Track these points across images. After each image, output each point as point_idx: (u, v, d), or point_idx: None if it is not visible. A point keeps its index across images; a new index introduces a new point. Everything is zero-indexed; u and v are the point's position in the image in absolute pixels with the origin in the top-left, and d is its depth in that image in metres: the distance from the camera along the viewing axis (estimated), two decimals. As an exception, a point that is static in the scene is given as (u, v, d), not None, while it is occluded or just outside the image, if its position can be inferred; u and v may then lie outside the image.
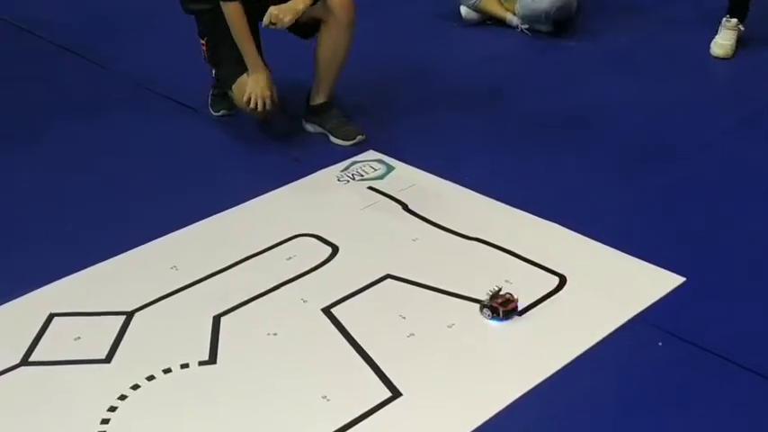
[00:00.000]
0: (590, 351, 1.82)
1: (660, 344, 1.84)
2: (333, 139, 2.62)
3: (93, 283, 2.07)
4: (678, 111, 2.76)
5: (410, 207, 2.33)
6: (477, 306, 1.93)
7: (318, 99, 2.63)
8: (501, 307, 1.89)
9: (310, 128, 2.67)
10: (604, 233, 2.16)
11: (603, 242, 2.14)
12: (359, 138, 2.60)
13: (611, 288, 2.00)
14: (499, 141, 2.65)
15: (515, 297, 1.92)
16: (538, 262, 2.09)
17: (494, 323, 1.90)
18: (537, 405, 1.71)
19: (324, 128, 2.63)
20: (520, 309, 1.92)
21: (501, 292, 1.92)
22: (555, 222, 2.22)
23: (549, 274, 2.04)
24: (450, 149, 2.60)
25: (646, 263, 2.06)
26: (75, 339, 1.89)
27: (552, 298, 1.97)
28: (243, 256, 2.14)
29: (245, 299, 1.99)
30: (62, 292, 2.03)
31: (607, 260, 2.09)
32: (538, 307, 1.95)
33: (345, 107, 2.68)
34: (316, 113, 2.65)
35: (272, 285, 2.04)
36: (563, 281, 2.02)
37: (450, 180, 2.43)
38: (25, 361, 1.84)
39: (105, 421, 1.68)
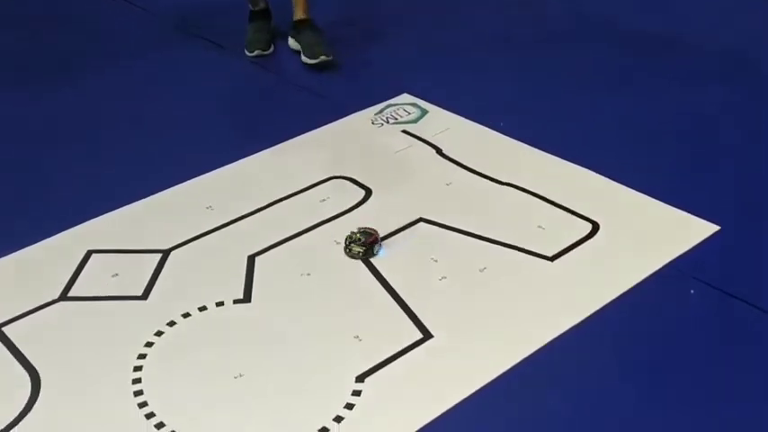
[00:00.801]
0: (621, 297, 1.82)
1: (692, 291, 1.84)
2: (302, 57, 2.72)
3: (129, 222, 2.09)
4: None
5: (444, 151, 2.33)
6: (502, 249, 1.95)
7: (297, 15, 2.76)
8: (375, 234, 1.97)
9: (292, 43, 2.79)
10: (639, 180, 2.15)
11: (638, 189, 2.13)
12: (322, 58, 2.69)
13: (645, 235, 1.99)
14: (535, 87, 2.63)
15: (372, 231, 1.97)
16: (571, 208, 2.08)
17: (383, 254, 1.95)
18: (566, 350, 1.72)
19: (300, 44, 2.74)
20: (552, 254, 1.93)
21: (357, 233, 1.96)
22: (589, 169, 2.22)
23: (581, 221, 2.04)
24: (486, 94, 2.59)
25: (680, 210, 2.05)
26: (113, 276, 1.92)
27: (585, 244, 1.97)
28: (277, 197, 2.15)
29: (280, 239, 2.01)
30: (100, 230, 2.06)
31: (641, 207, 2.08)
32: (570, 253, 1.95)
33: (379, 50, 2.68)
34: (295, 29, 2.77)
35: (305, 227, 2.05)
36: (596, 227, 2.02)
37: (485, 125, 2.42)
38: (64, 296, 1.87)
39: (142, 356, 1.72)
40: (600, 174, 2.19)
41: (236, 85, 2.69)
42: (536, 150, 2.31)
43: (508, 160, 2.28)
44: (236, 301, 1.85)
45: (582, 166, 2.23)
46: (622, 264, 1.91)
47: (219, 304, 1.84)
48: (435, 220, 2.07)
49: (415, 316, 1.80)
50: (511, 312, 1.80)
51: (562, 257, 1.94)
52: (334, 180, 2.22)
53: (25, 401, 1.63)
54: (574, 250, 1.96)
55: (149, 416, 1.59)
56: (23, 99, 2.65)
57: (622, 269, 1.90)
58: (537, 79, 2.67)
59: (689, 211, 2.05)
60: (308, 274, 1.92)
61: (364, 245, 1.93)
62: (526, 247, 1.96)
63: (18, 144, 2.45)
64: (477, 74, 2.70)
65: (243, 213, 2.11)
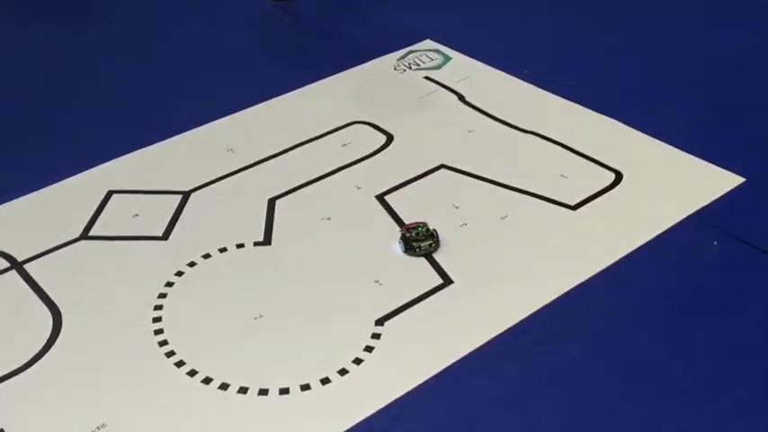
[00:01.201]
0: (643, 247, 1.81)
1: (716, 243, 1.82)
2: None
3: (150, 163, 2.09)
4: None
5: (466, 98, 2.31)
6: (524, 197, 1.93)
7: None
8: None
9: None
10: (663, 131, 2.12)
11: (662, 140, 2.11)
12: None
13: (668, 186, 1.97)
14: (561, 34, 2.60)
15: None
16: (594, 157, 2.06)
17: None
18: (587, 299, 1.71)
19: None
20: (574, 203, 1.92)
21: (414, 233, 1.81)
22: (613, 118, 2.19)
23: (604, 170, 2.02)
24: (510, 41, 2.56)
25: (705, 161, 2.03)
26: (134, 216, 1.92)
27: (608, 194, 1.96)
28: (298, 141, 2.14)
29: (300, 183, 2.01)
30: (120, 171, 2.06)
31: (665, 158, 2.06)
32: (592, 202, 1.93)
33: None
34: None
35: (326, 171, 2.05)
36: (619, 177, 2.00)
37: (509, 72, 2.40)
38: (85, 235, 1.88)
39: (162, 296, 1.72)
40: (625, 123, 2.17)
41: (257, 29, 2.67)
42: (560, 99, 2.28)
43: (532, 108, 2.25)
44: (256, 244, 1.85)
45: (606, 115, 2.20)
46: (645, 214, 1.90)
47: (240, 246, 1.84)
48: (457, 167, 2.05)
49: (436, 262, 1.79)
50: (532, 261, 1.79)
51: (585, 206, 1.92)
52: (356, 125, 2.21)
53: (47, 338, 1.64)
54: (597, 199, 1.94)
55: (169, 354, 1.60)
56: (46, 38, 2.65)
57: (645, 219, 1.88)
58: (563, 27, 2.63)
59: (714, 163, 2.02)
60: (329, 219, 1.91)
61: (432, 235, 1.81)
62: (548, 196, 1.95)
63: (42, 81, 2.44)
64: (502, 20, 2.67)
65: (263, 157, 2.10)
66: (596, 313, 1.69)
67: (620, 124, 2.17)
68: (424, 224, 1.83)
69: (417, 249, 1.80)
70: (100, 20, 2.74)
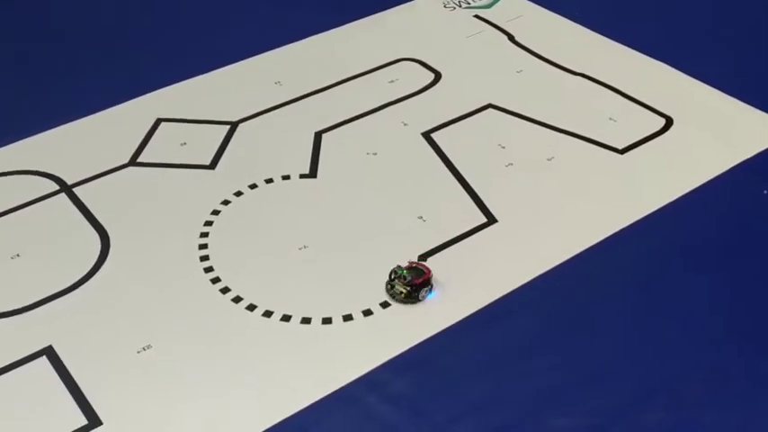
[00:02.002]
0: (692, 193, 1.80)
1: (766, 192, 1.80)
2: None
3: (199, 92, 2.10)
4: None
5: (516, 38, 2.28)
6: (571, 139, 1.91)
7: None
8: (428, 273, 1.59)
9: None
10: (715, 76, 2.09)
11: (714, 86, 2.07)
12: None
13: (719, 133, 1.95)
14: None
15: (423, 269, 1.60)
16: (644, 102, 2.04)
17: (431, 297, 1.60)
18: (632, 242, 1.70)
19: None
20: (622, 147, 1.90)
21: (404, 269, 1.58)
22: (665, 63, 2.16)
23: (654, 115, 2.00)
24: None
25: (756, 109, 2.00)
26: (181, 144, 1.94)
27: (657, 139, 1.94)
28: (346, 76, 2.14)
29: (347, 118, 2.01)
30: (169, 99, 2.07)
31: (716, 104, 2.03)
32: (641, 147, 1.92)
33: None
34: None
35: (373, 107, 2.04)
36: (669, 122, 1.98)
37: (560, 14, 2.36)
38: (133, 161, 1.90)
39: (209, 223, 1.74)
40: (676, 69, 2.14)
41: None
42: (611, 41, 2.25)
43: (582, 50, 2.22)
44: (301, 176, 1.85)
45: (658, 59, 2.17)
46: (694, 160, 1.88)
47: (285, 178, 1.85)
48: (504, 107, 2.04)
49: (480, 200, 1.79)
50: (577, 203, 1.79)
51: (632, 151, 1.91)
52: (404, 62, 2.20)
53: (95, 260, 1.67)
54: (645, 144, 1.92)
55: (215, 281, 1.62)
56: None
57: (694, 166, 1.86)
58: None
59: (766, 111, 1.99)
60: (375, 154, 1.91)
61: (410, 284, 1.57)
62: (596, 139, 1.93)
63: (94, 8, 2.45)
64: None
65: (311, 90, 2.10)
66: (640, 258, 1.68)
67: (672, 69, 2.14)
68: (426, 272, 1.58)
69: (388, 287, 1.59)
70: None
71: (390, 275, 1.59)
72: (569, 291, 1.62)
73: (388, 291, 1.59)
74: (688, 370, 1.47)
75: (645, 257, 1.68)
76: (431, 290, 1.59)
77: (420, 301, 1.58)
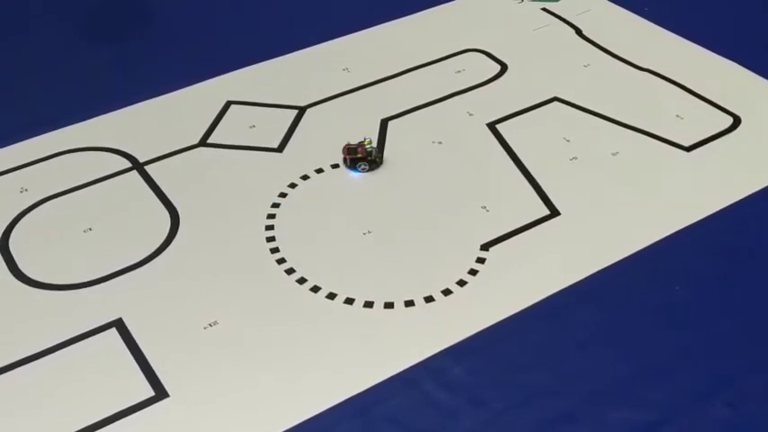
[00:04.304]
0: (758, 193, 1.78)
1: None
2: None
3: (268, 76, 2.13)
4: None
5: (584, 32, 2.28)
6: (637, 135, 1.91)
7: None
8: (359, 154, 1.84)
9: None
10: (787, 78, 2.08)
11: (785, 87, 2.06)
12: None
13: (788, 134, 1.94)
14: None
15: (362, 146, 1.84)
16: (712, 100, 2.03)
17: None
18: (694, 240, 1.70)
19: None
20: (688, 145, 1.90)
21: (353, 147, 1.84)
22: (734, 61, 2.14)
23: (722, 113, 1.99)
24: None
25: (828, 112, 1.98)
26: (251, 127, 1.97)
27: (724, 137, 1.93)
28: (413, 65, 2.16)
29: (413, 106, 2.03)
30: (239, 82, 2.11)
31: (786, 106, 2.02)
32: (708, 145, 1.91)
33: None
34: None
35: (439, 96, 2.06)
36: (737, 121, 1.96)
37: (628, 9, 2.36)
38: (203, 142, 1.94)
39: (275, 205, 1.78)
40: (746, 67, 2.12)
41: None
42: (679, 38, 2.24)
43: (650, 46, 2.22)
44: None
45: (727, 57, 2.15)
46: (761, 160, 1.87)
47: (352, 163, 1.88)
48: (570, 101, 2.04)
49: (544, 192, 1.80)
50: (641, 199, 1.79)
51: (699, 149, 1.90)
52: (471, 52, 2.21)
53: (164, 236, 1.71)
54: (712, 143, 1.91)
55: (280, 261, 1.66)
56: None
57: (761, 166, 1.85)
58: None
59: (838, 114, 1.97)
60: (440, 143, 1.93)
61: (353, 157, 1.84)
62: (662, 136, 1.93)
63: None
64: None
65: (378, 78, 2.12)
66: (704, 256, 1.68)
67: (741, 67, 2.12)
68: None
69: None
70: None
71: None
72: (630, 286, 1.62)
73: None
74: (750, 367, 1.47)
75: (708, 256, 1.68)
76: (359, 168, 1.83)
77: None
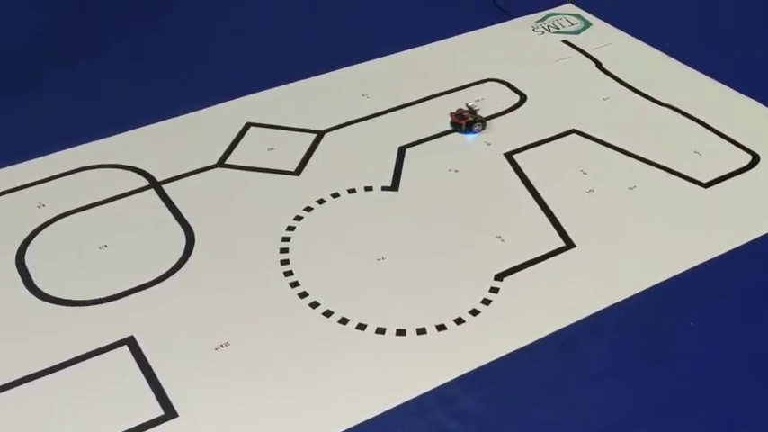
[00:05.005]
0: (775, 233, 1.78)
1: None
2: None
3: (288, 100, 2.14)
4: None
5: (604, 66, 2.28)
6: (654, 170, 1.91)
7: None
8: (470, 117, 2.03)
9: None
10: (807, 117, 2.07)
11: (804, 126, 2.06)
12: None
13: (807, 173, 1.93)
14: (704, 10, 2.54)
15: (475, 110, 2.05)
16: (730, 137, 2.02)
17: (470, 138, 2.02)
18: (710, 278, 1.69)
19: None
20: (706, 181, 1.89)
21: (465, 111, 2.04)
22: (754, 99, 2.14)
23: (741, 151, 1.98)
24: (654, 10, 2.52)
25: None
26: (269, 150, 1.98)
27: (742, 175, 1.92)
28: (432, 93, 2.16)
29: (431, 134, 2.03)
30: (259, 105, 2.12)
31: (806, 145, 2.01)
32: (726, 182, 1.90)
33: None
34: None
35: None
36: (756, 159, 1.96)
37: (649, 43, 2.36)
38: (222, 163, 1.95)
39: (291, 228, 1.78)
40: (766, 106, 2.12)
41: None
42: (700, 74, 2.24)
43: (670, 81, 2.22)
44: (383, 188, 1.88)
45: (747, 95, 2.15)
46: (779, 199, 1.86)
47: (368, 189, 1.88)
48: (588, 133, 2.04)
49: (559, 224, 1.80)
50: (657, 234, 1.78)
51: (717, 185, 1.89)
52: (490, 82, 2.21)
53: (179, 256, 1.72)
54: (730, 180, 1.91)
55: (294, 284, 1.66)
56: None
57: (779, 204, 1.85)
58: (708, 1, 2.57)
59: None
60: (456, 171, 1.93)
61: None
62: (680, 171, 1.93)
63: (190, 10, 2.53)
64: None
65: (397, 105, 2.13)
66: (719, 293, 1.67)
67: (761, 105, 2.12)
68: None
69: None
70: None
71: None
72: (644, 321, 1.61)
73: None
74: (764, 406, 1.46)
75: (723, 293, 1.67)
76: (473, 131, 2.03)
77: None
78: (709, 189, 1.89)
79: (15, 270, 1.70)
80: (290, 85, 2.19)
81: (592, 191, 1.88)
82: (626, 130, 2.05)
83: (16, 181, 1.90)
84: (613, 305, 1.63)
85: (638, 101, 2.16)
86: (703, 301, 1.66)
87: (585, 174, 1.93)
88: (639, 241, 1.76)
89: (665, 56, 2.32)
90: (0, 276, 1.68)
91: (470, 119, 2.01)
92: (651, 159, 1.96)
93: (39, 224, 1.79)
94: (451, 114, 2.03)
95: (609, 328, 1.59)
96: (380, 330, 1.57)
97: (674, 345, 1.57)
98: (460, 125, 2.01)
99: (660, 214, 1.83)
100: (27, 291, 1.66)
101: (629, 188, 1.89)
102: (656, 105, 2.14)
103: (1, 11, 2.55)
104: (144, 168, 1.93)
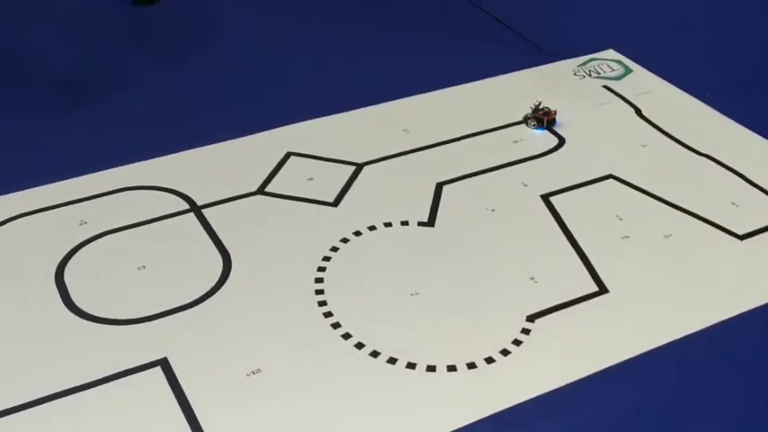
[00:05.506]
0: (810, 288, 1.78)
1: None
2: None
3: (328, 131, 2.17)
4: None
5: (643, 112, 2.29)
6: (690, 219, 1.91)
7: None
8: (545, 117, 2.19)
9: None
10: None
11: (843, 182, 2.05)
12: None
13: (844, 230, 1.92)
14: (747, 62, 2.54)
15: (553, 110, 2.21)
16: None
17: (539, 132, 2.19)
18: (744, 329, 1.68)
19: None
20: (742, 233, 1.89)
21: (540, 106, 2.21)
22: (794, 154, 2.15)
23: (778, 204, 1.99)
24: (696, 59, 2.53)
25: None
26: (308, 180, 2.01)
27: (778, 229, 1.92)
28: (472, 131, 2.18)
29: (469, 172, 2.05)
30: (300, 135, 2.15)
31: (844, 201, 2.01)
32: (761, 235, 1.90)
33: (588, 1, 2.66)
34: None
35: (495, 164, 2.08)
36: (793, 213, 1.96)
37: (690, 93, 2.37)
38: (261, 190, 1.97)
39: (326, 258, 1.80)
40: (806, 161, 2.12)
41: (451, 19, 2.72)
42: (740, 126, 2.24)
43: (709, 132, 2.22)
44: (420, 224, 1.90)
45: (788, 150, 2.16)
46: (816, 255, 1.86)
47: (404, 223, 1.90)
48: (626, 179, 2.05)
49: (593, 268, 1.80)
50: (691, 284, 1.78)
51: (752, 238, 1.89)
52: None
53: (216, 280, 1.74)
54: (766, 233, 1.90)
55: (327, 315, 1.67)
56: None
57: (815, 260, 1.84)
58: (751, 54, 2.58)
59: None
60: (493, 210, 1.95)
61: (544, 116, 2.20)
62: (716, 222, 1.93)
63: (232, 45, 2.58)
64: (688, 39, 2.63)
65: (436, 141, 2.15)
66: (752, 344, 1.66)
67: (801, 161, 2.12)
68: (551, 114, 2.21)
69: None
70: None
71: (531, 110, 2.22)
72: (675, 370, 1.61)
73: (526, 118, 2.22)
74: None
75: (756, 344, 1.67)
76: (540, 126, 2.21)
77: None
78: (744, 241, 1.88)
79: (54, 285, 1.73)
80: (332, 116, 2.22)
81: (627, 237, 1.89)
82: (663, 177, 2.06)
83: (60, 197, 1.94)
84: (644, 353, 1.63)
85: (676, 149, 2.16)
86: (737, 351, 1.65)
87: (621, 219, 1.93)
88: (673, 290, 1.76)
89: (705, 105, 2.32)
90: (39, 291, 1.72)
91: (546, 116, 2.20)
92: (688, 208, 1.96)
93: (80, 241, 1.83)
94: (533, 113, 2.21)
95: (639, 377, 1.59)
96: (411, 365, 1.58)
97: (707, 395, 1.57)
98: (542, 120, 2.20)
99: (695, 264, 1.83)
100: (64, 306, 1.68)
101: (665, 236, 1.89)
102: (695, 154, 2.14)
103: (55, 39, 2.61)
104: (185, 192, 1.96)
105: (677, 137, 2.20)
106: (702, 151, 2.15)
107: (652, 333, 1.67)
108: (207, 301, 1.70)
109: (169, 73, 2.42)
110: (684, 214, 1.95)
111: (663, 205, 1.98)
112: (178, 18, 2.71)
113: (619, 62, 2.50)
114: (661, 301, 1.74)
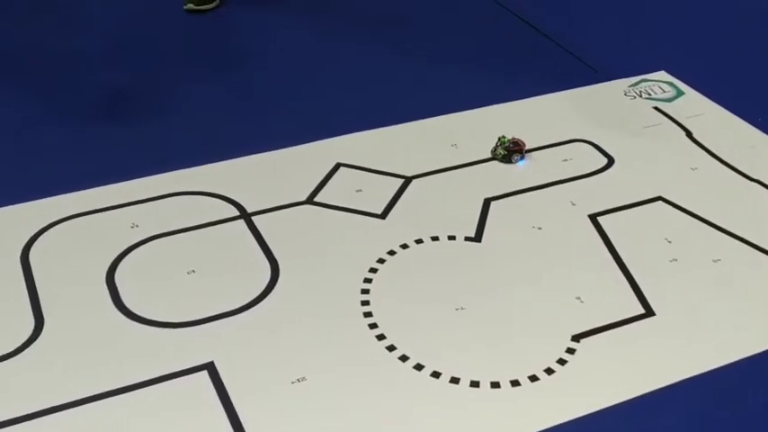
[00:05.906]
0: None
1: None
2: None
3: (378, 144, 2.19)
4: None
5: (694, 135, 2.28)
6: (740, 245, 1.91)
7: None
8: (516, 147, 2.14)
9: None
10: None
11: None
12: (189, 6, 2.79)
13: None
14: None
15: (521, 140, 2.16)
16: (820, 219, 2.01)
17: (522, 164, 2.13)
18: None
19: None
20: None
21: (505, 140, 2.14)
22: None
23: (829, 233, 1.97)
24: (748, 86, 2.51)
25: None
26: (357, 191, 2.02)
27: (830, 258, 1.90)
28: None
29: (517, 189, 2.05)
30: (350, 146, 2.17)
31: None
32: (812, 263, 1.88)
33: (642, 22, 2.65)
34: None
35: (544, 182, 2.08)
36: None
37: (742, 117, 2.35)
38: (310, 200, 1.99)
39: (373, 270, 1.81)
40: None
41: (494, 33, 2.73)
42: (792, 153, 2.23)
43: (761, 158, 2.20)
44: (467, 239, 1.90)
45: (841, 178, 2.13)
46: None
47: (451, 238, 1.90)
48: (675, 202, 2.04)
49: (640, 290, 1.79)
50: (739, 309, 1.77)
51: (803, 266, 1.88)
52: (579, 143, 2.23)
53: (263, 287, 1.76)
54: (817, 262, 1.89)
55: (372, 326, 1.68)
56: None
57: None
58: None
59: None
60: (540, 228, 1.95)
61: (507, 149, 2.12)
62: (766, 248, 1.91)
63: (285, 58, 2.60)
64: (742, 63, 2.61)
65: (484, 157, 2.15)
66: (799, 375, 1.65)
67: None
68: (521, 145, 2.15)
69: (493, 150, 2.15)
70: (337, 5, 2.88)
71: (497, 142, 2.13)
72: (721, 397, 1.60)
73: (492, 152, 2.13)
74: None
75: (803, 377, 1.65)
76: (522, 158, 2.12)
77: (513, 163, 2.11)
78: (796, 270, 1.87)
79: (105, 286, 1.76)
80: (382, 129, 2.23)
81: (675, 260, 1.88)
82: (713, 201, 2.05)
83: (113, 200, 1.97)
84: (690, 378, 1.62)
85: (726, 173, 2.15)
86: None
87: (670, 242, 1.92)
88: (720, 315, 1.75)
89: (758, 130, 2.30)
90: (90, 291, 1.74)
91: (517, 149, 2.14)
92: (737, 234, 1.95)
93: (131, 244, 1.86)
94: (512, 143, 2.14)
95: (684, 402, 1.58)
96: (454, 380, 1.58)
97: (752, 425, 1.55)
98: (517, 153, 2.13)
99: (743, 290, 1.81)
100: (114, 307, 1.71)
101: (714, 260, 1.88)
102: (746, 179, 2.12)
103: (109, 48, 2.66)
104: (235, 198, 1.98)
105: (728, 161, 2.19)
106: (753, 177, 2.13)
107: (698, 358, 1.66)
108: (254, 308, 1.71)
109: (222, 82, 2.45)
110: (734, 239, 1.94)
111: (712, 229, 1.97)
112: (228, 29, 2.74)
113: (670, 84, 2.49)
114: (709, 326, 1.73)
